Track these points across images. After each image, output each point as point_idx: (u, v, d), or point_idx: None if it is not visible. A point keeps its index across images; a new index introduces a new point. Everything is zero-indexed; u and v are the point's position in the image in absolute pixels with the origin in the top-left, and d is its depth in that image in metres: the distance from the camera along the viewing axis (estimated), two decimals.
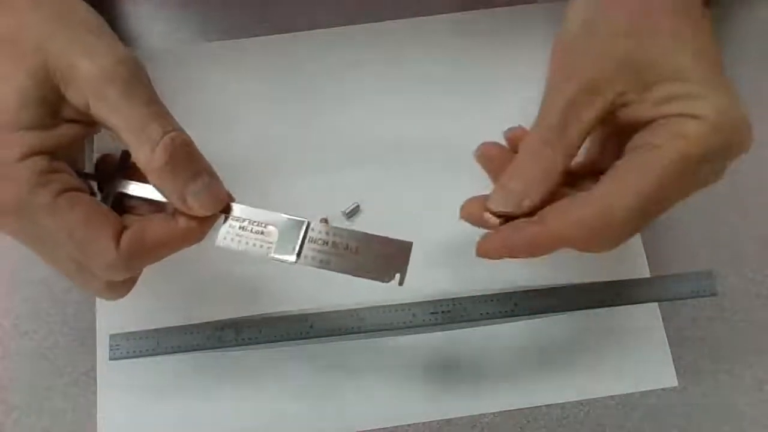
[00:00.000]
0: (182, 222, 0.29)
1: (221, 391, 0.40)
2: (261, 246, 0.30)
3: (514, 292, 0.41)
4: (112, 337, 0.40)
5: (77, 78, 0.26)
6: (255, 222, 0.30)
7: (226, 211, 0.30)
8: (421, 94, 0.45)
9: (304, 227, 0.30)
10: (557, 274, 0.42)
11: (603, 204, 0.27)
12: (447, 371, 0.41)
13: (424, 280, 0.41)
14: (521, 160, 0.30)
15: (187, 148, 0.28)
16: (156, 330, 0.40)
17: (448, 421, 0.40)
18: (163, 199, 0.29)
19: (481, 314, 0.41)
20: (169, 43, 0.47)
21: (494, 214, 0.30)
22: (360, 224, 0.43)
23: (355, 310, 0.41)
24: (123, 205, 0.30)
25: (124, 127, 0.27)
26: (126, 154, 0.31)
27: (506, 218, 0.30)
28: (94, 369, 0.41)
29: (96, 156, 0.31)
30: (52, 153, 0.27)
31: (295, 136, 0.44)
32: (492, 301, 0.41)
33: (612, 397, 0.40)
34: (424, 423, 0.40)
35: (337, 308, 0.41)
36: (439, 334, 0.41)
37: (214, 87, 0.45)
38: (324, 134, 0.44)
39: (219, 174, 0.29)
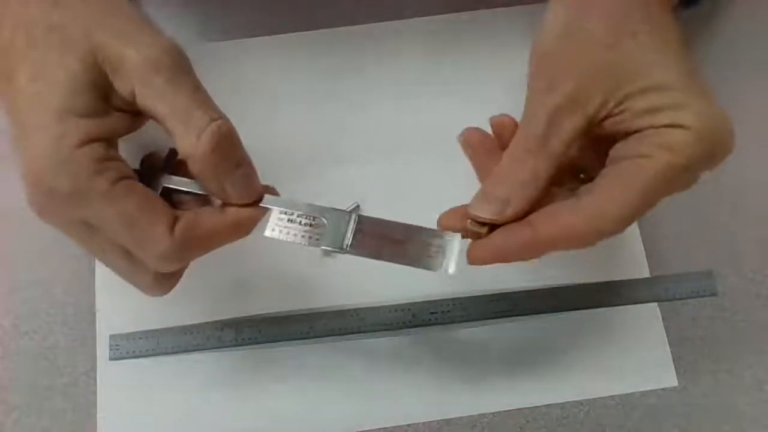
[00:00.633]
0: (232, 213, 0.29)
1: (221, 391, 0.40)
2: (310, 237, 0.30)
3: (514, 292, 0.41)
4: (112, 337, 0.40)
5: (124, 66, 0.27)
6: (303, 214, 0.31)
7: (267, 197, 0.30)
8: (420, 94, 0.45)
9: (353, 219, 0.31)
10: (557, 274, 0.42)
11: (592, 213, 0.28)
12: (447, 371, 0.41)
13: (424, 280, 0.41)
14: (504, 167, 0.30)
15: (232, 137, 0.29)
16: (156, 330, 0.41)
17: (448, 421, 0.40)
18: (205, 193, 0.30)
19: (481, 314, 0.41)
20: None
21: (477, 221, 0.30)
22: None
23: (355, 310, 0.41)
24: (169, 200, 0.30)
25: (170, 113, 0.27)
26: (172, 153, 0.31)
27: (490, 226, 0.30)
28: (94, 369, 0.41)
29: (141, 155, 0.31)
30: (108, 140, 0.27)
31: (294, 136, 0.44)
32: (492, 301, 0.41)
33: (612, 397, 0.40)
34: (423, 423, 0.40)
35: (337, 308, 0.41)
36: (439, 334, 0.41)
37: (213, 87, 0.45)
38: (323, 134, 0.44)
39: None
